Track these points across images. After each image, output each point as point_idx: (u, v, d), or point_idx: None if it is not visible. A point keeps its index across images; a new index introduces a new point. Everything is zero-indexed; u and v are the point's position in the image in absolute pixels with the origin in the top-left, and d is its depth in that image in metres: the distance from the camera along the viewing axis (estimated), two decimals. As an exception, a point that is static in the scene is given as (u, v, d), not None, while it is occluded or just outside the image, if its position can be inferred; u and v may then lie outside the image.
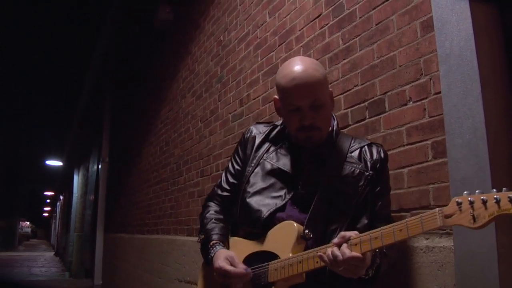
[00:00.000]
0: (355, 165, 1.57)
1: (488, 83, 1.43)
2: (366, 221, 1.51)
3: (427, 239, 1.76)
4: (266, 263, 1.47)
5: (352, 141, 1.65)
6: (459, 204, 1.06)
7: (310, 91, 1.47)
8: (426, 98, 1.86)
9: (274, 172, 1.60)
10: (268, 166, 1.62)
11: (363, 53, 2.27)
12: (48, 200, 38.39)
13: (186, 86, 4.89)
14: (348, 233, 1.28)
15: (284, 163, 1.61)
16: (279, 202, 1.53)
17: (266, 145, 1.69)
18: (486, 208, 1.00)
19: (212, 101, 4.13)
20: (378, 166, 1.59)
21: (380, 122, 2.09)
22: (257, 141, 1.70)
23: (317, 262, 1.32)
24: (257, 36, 3.42)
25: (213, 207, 1.74)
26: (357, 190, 1.53)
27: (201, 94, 4.41)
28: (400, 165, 1.93)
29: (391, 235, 1.19)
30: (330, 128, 1.65)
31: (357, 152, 1.61)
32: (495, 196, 0.99)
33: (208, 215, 1.69)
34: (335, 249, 1.26)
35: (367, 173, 1.56)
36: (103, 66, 10.40)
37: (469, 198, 1.04)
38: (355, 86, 2.29)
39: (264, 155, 1.65)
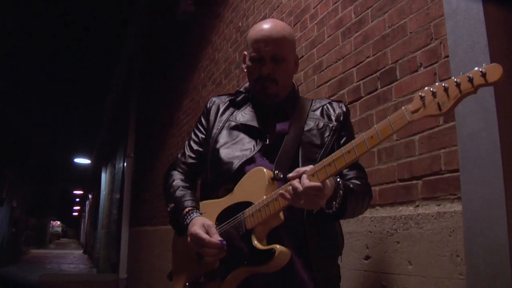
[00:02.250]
0: (318, 119, 1.59)
1: (494, 36, 1.39)
2: None
3: (439, 205, 1.71)
4: (241, 213, 1.42)
5: (313, 102, 1.68)
6: (422, 98, 1.07)
7: (274, 42, 1.52)
8: (436, 62, 1.81)
9: (241, 129, 1.60)
10: (234, 124, 1.63)
11: (374, 24, 2.24)
12: (78, 199, 39.12)
13: (206, 75, 4.92)
14: (302, 168, 1.28)
15: (249, 119, 1.61)
16: (249, 153, 1.51)
17: (230, 109, 1.69)
18: (448, 95, 1.02)
19: (231, 87, 4.13)
20: (341, 118, 1.60)
21: (391, 91, 2.05)
22: (221, 108, 1.71)
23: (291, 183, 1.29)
24: (274, 18, 3.40)
25: (177, 175, 1.67)
26: (323, 141, 1.54)
27: (221, 81, 4.42)
28: (412, 133, 1.89)
29: (363, 144, 1.18)
30: (290, 89, 1.66)
31: (319, 110, 1.63)
32: (455, 80, 1.01)
33: (174, 183, 1.63)
34: (295, 182, 1.26)
35: (331, 125, 1.57)
36: (129, 65, 10.56)
37: (431, 89, 1.05)
38: (367, 57, 2.25)
39: (230, 117, 1.65)
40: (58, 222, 52.37)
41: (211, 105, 1.75)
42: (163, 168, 6.31)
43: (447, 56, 1.72)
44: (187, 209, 1.53)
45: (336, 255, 1.60)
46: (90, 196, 25.12)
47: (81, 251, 26.83)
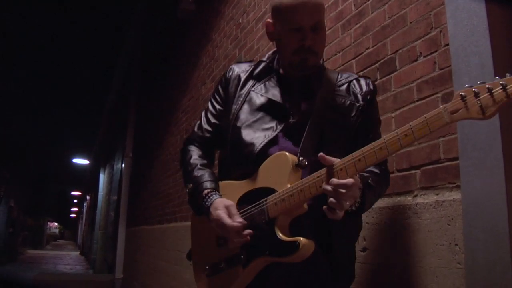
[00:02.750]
0: (345, 97, 1.52)
1: (495, 20, 1.37)
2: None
3: (437, 194, 1.69)
4: (263, 200, 1.38)
5: (339, 76, 1.60)
6: (463, 97, 0.99)
7: (316, 11, 1.43)
8: (436, 51, 1.79)
9: (264, 104, 1.52)
10: (256, 99, 1.54)
11: (374, 15, 2.22)
12: (76, 201, 38.99)
13: (206, 73, 4.90)
14: (329, 160, 1.25)
15: (273, 93, 1.53)
16: (271, 134, 1.45)
17: (251, 82, 1.59)
18: (493, 97, 0.94)
19: (230, 84, 4.11)
20: (368, 97, 1.54)
21: (390, 81, 2.03)
22: (242, 79, 1.60)
23: (320, 186, 1.25)
24: None
25: (195, 151, 1.61)
26: (349, 121, 1.48)
27: (219, 79, 4.40)
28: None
29: (396, 142, 1.12)
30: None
31: (345, 86, 1.55)
32: (501, 83, 0.93)
33: (192, 161, 1.57)
34: (329, 185, 1.22)
35: (358, 104, 1.51)
36: (129, 64, 10.55)
37: (474, 89, 0.97)
38: (366, 49, 2.23)
39: (251, 90, 1.56)
40: (56, 224, 52.21)
41: (230, 74, 1.65)
42: (162, 167, 6.30)
43: (447, 45, 1.70)
44: (206, 191, 1.48)
45: (356, 238, 1.60)
46: (88, 197, 25.07)
47: (77, 253, 26.73)
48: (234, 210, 1.40)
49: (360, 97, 1.54)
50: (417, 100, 1.86)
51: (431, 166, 1.74)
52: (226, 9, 4.51)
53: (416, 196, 1.78)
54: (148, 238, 6.70)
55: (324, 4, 1.52)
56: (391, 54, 2.05)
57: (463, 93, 0.99)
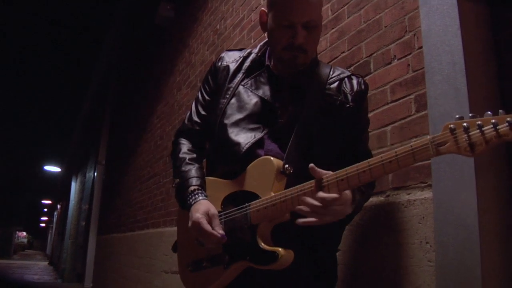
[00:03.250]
0: (335, 97, 1.49)
1: (467, 19, 1.40)
2: (348, 156, 1.44)
3: (409, 194, 1.70)
4: (246, 204, 1.38)
5: (331, 72, 1.56)
6: (452, 130, 0.97)
7: (310, 8, 1.38)
8: (410, 54, 1.82)
9: (252, 102, 1.50)
10: (245, 95, 1.52)
11: (350, 20, 2.25)
12: (46, 210, 38.05)
13: (182, 79, 4.88)
14: (319, 173, 1.22)
15: (263, 91, 1.51)
16: (258, 134, 1.43)
17: (241, 75, 1.57)
18: (483, 135, 0.91)
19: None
20: (358, 98, 1.51)
21: (365, 84, 2.05)
22: (231, 70, 1.58)
23: (302, 200, 1.24)
24: (251, 20, 3.41)
25: (185, 144, 1.61)
26: (337, 123, 1.46)
27: (196, 84, 4.39)
28: (384, 124, 1.89)
29: (381, 168, 1.11)
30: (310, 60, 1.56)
31: (336, 84, 1.52)
32: (492, 121, 0.90)
33: (181, 155, 1.57)
34: (308, 198, 1.20)
35: (348, 105, 1.48)
36: (106, 71, 10.45)
37: (463, 124, 0.94)
38: (342, 52, 2.26)
39: (241, 84, 1.54)
40: (24, 233, 50.84)
41: (220, 64, 1.63)
42: (135, 174, 6.21)
43: (421, 47, 1.73)
44: (192, 188, 1.47)
45: (337, 245, 1.60)
46: (59, 206, 24.54)
47: (46, 263, 26.06)
48: (216, 221, 1.38)
49: (350, 97, 1.51)
50: (391, 102, 1.88)
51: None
52: (204, 15, 4.52)
53: (388, 196, 1.79)
54: (119, 245, 6.57)
55: (321, 4, 1.50)
56: (366, 57, 2.08)
57: (452, 126, 0.97)
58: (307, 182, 1.26)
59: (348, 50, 2.21)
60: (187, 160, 1.56)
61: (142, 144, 6.17)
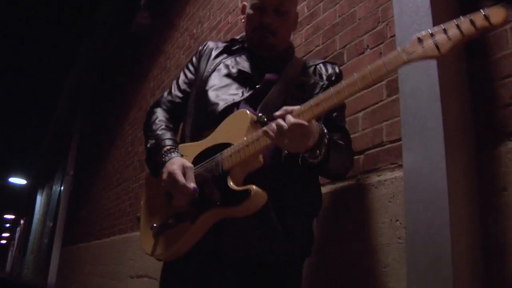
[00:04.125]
0: (310, 77, 1.55)
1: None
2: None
3: (379, 175, 1.73)
4: (219, 154, 1.36)
5: (307, 61, 1.65)
6: (420, 40, 1.02)
7: None
8: (382, 42, 1.88)
9: (233, 74, 1.55)
10: (226, 69, 1.57)
11: (326, 15, 2.30)
12: (8, 225, 36.69)
13: (156, 84, 4.87)
14: (289, 107, 1.22)
15: (243, 66, 1.57)
16: (237, 98, 1.47)
17: (224, 55, 1.64)
18: (447, 35, 0.98)
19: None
20: (333, 78, 1.56)
21: (338, 75, 2.09)
22: (214, 53, 1.65)
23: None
24: (228, 22, 3.45)
25: (161, 113, 1.61)
26: (311, 97, 1.49)
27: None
28: (356, 110, 1.92)
29: (354, 84, 1.13)
30: (286, 46, 1.64)
31: (312, 68, 1.60)
32: (455, 23, 0.97)
33: (157, 120, 1.57)
34: (279, 120, 1.19)
35: (322, 83, 1.54)
36: (79, 81, 10.33)
37: (429, 31, 1.00)
38: (316, 46, 2.30)
39: (223, 60, 1.60)
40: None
41: (205, 47, 1.69)
42: (104, 182, 6.11)
43: (393, 36, 1.79)
44: (167, 147, 1.46)
45: (312, 215, 1.56)
46: (22, 221, 23.75)
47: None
48: (190, 173, 1.37)
49: (324, 77, 1.58)
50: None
51: (374, 150, 1.79)
52: (181, 21, 4.55)
53: (359, 179, 1.81)
54: (84, 255, 6.41)
55: None
56: (339, 49, 2.13)
57: (419, 36, 1.02)
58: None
59: (323, 43, 2.26)
60: (163, 126, 1.57)
61: (112, 152, 6.09)
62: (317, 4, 2.39)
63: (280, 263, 1.42)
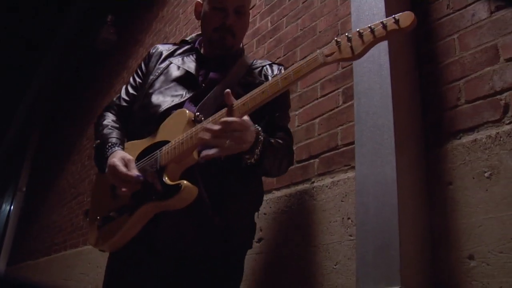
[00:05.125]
0: (255, 78, 1.59)
1: (392, 5, 1.55)
2: (268, 131, 1.49)
3: (333, 177, 1.77)
4: (157, 151, 1.41)
5: (254, 61, 1.69)
6: (338, 42, 1.09)
7: None
8: (341, 53, 1.96)
9: (178, 75, 1.58)
10: (173, 71, 1.60)
11: (288, 29, 2.38)
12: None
13: (117, 98, 4.83)
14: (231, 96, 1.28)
15: (189, 66, 1.60)
16: (178, 100, 1.50)
17: (172, 57, 1.66)
18: (362, 39, 1.05)
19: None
20: None
21: (297, 84, 2.15)
22: (163, 55, 1.68)
23: (204, 127, 1.28)
24: (193, 37, 3.49)
25: (110, 116, 1.64)
26: None
27: (131, 101, 4.36)
28: (313, 117, 1.98)
29: (276, 85, 1.19)
30: (237, 48, 1.68)
31: (258, 69, 1.64)
32: (370, 26, 1.05)
33: (104, 122, 1.61)
34: (209, 124, 1.25)
35: None
36: (36, 96, 10.09)
37: (346, 34, 1.08)
38: (277, 58, 2.37)
39: (170, 61, 1.63)
40: None
41: (154, 51, 1.72)
42: (57, 197, 5.95)
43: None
44: (109, 144, 1.49)
45: (253, 209, 1.57)
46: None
47: None
48: (132, 164, 1.40)
49: (270, 78, 1.58)
50: (320, 97, 1.99)
51: (328, 153, 1.84)
52: (147, 37, 4.58)
53: (313, 182, 1.86)
54: (33, 272, 6.15)
55: None
56: (299, 60, 2.20)
57: (338, 39, 1.09)
58: (215, 114, 1.32)
59: (284, 55, 2.33)
60: (110, 126, 1.60)
61: (68, 167, 5.94)
62: (281, 19, 2.47)
63: (217, 256, 1.43)
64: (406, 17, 1.03)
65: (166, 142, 1.40)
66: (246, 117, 1.26)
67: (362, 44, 1.06)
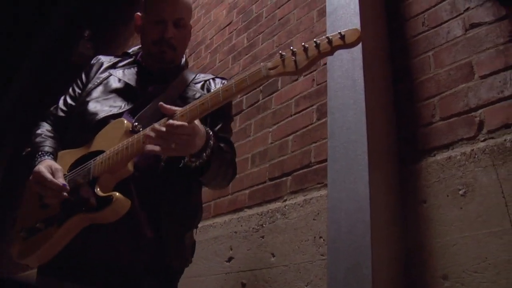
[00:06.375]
0: (197, 91, 1.54)
1: (367, 21, 1.54)
2: None
3: (305, 195, 1.73)
4: (91, 161, 1.33)
5: (197, 75, 1.63)
6: (282, 56, 1.05)
7: (179, 7, 1.50)
8: (315, 70, 1.94)
9: (118, 87, 1.52)
10: (113, 82, 1.53)
11: (264, 45, 2.36)
12: None
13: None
14: (173, 108, 1.21)
15: (129, 78, 1.54)
16: (115, 110, 1.43)
17: (113, 68, 1.59)
18: (307, 54, 1.02)
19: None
20: None
21: (271, 101, 2.12)
22: (104, 66, 1.61)
23: (143, 143, 1.21)
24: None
25: (45, 126, 1.57)
26: None
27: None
28: (286, 134, 1.94)
29: (217, 96, 1.14)
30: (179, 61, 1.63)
31: (200, 84, 1.59)
32: (315, 41, 1.01)
33: (38, 131, 1.53)
34: (155, 124, 1.18)
35: None
36: (12, 112, 9.88)
37: (291, 48, 1.04)
38: (253, 74, 2.34)
39: (110, 73, 1.56)
40: None
41: (95, 62, 1.65)
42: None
43: (325, 64, 1.85)
44: (39, 153, 1.42)
45: (190, 225, 1.49)
46: None
47: None
48: (59, 173, 1.32)
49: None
50: (294, 114, 1.95)
51: (301, 171, 1.79)
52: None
53: (285, 200, 1.81)
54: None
55: (190, 5, 1.59)
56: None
57: (283, 53, 1.05)
58: (152, 125, 1.24)
59: (259, 71, 2.30)
60: (43, 135, 1.53)
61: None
62: (257, 36, 2.45)
63: (149, 270, 1.34)
64: (352, 33, 1.01)
65: (101, 152, 1.34)
66: (197, 121, 1.21)
67: (306, 59, 1.02)
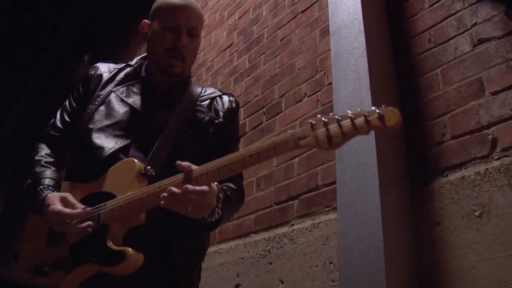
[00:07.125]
0: (205, 113, 1.46)
1: (372, 40, 1.51)
2: None
3: (313, 219, 1.67)
4: (101, 205, 1.26)
5: (203, 91, 1.54)
6: (313, 125, 0.96)
7: (194, 16, 1.43)
8: (320, 90, 1.90)
9: (122, 110, 1.44)
10: (115, 103, 1.45)
11: (266, 66, 2.33)
12: None
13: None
14: (187, 165, 1.13)
15: (134, 100, 1.46)
16: (122, 142, 1.36)
17: (113, 84, 1.50)
18: (341, 128, 0.92)
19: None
20: (229, 114, 1.49)
21: (275, 123, 2.09)
22: (104, 79, 1.51)
23: (158, 197, 1.14)
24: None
25: (43, 149, 1.48)
26: (206, 136, 1.42)
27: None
28: (292, 156, 1.90)
29: (240, 162, 1.07)
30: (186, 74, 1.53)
31: (207, 102, 1.50)
32: (350, 116, 0.91)
33: (37, 157, 1.44)
34: (172, 188, 1.10)
35: (217, 121, 1.45)
36: (13, 135, 9.89)
37: (323, 119, 0.94)
38: (255, 96, 2.31)
39: (112, 91, 1.47)
40: None
41: (93, 72, 1.54)
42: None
43: (330, 84, 1.81)
44: (40, 187, 1.33)
45: (200, 258, 1.45)
46: None
47: None
48: (71, 199, 1.25)
49: (221, 113, 1.49)
50: (300, 135, 1.91)
51: (308, 194, 1.74)
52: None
53: (293, 225, 1.75)
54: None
55: (203, 18, 1.51)
56: (278, 98, 2.14)
57: (313, 122, 0.96)
58: (167, 179, 1.18)
59: (262, 93, 2.27)
60: (42, 163, 1.44)
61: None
62: (258, 57, 2.43)
63: None
64: (392, 115, 0.90)
65: (111, 195, 1.27)
66: (213, 186, 1.15)
67: (342, 135, 0.92)
